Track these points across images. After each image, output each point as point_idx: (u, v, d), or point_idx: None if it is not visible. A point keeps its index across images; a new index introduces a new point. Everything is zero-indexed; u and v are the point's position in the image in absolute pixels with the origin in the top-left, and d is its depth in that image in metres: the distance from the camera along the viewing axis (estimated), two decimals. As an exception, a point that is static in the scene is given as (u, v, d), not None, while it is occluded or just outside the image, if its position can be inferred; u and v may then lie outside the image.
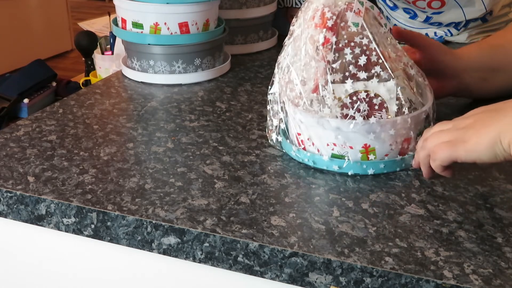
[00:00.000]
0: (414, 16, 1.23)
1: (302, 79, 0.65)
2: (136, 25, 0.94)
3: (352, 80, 0.64)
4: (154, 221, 0.56)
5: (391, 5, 1.25)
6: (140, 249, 0.58)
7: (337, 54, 0.64)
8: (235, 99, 0.88)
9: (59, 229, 0.60)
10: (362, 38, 0.65)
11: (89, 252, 0.63)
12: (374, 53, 0.65)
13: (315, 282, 0.52)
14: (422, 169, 0.62)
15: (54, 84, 2.88)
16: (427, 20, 1.22)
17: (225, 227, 0.55)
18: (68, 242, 0.63)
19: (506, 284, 0.48)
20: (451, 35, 1.24)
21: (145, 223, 0.56)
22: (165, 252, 0.57)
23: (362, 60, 0.64)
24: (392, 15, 1.28)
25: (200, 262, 0.56)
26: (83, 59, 2.51)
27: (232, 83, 0.96)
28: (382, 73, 0.64)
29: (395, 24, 1.30)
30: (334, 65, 0.64)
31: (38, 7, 3.76)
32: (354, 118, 0.63)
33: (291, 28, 0.69)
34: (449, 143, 0.57)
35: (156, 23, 0.93)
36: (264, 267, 0.53)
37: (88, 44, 2.43)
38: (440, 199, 0.61)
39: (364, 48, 0.64)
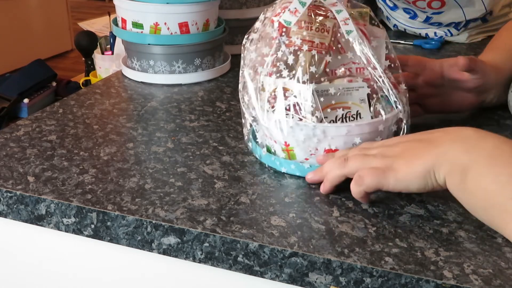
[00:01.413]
0: (414, 16, 1.24)
1: (258, 85, 0.65)
2: (136, 25, 0.94)
3: (287, 80, 0.62)
4: (154, 221, 0.56)
5: (391, 5, 1.25)
6: (140, 249, 0.58)
7: (293, 56, 0.63)
8: (235, 99, 0.88)
9: (59, 229, 0.60)
10: (324, 39, 0.64)
11: (89, 252, 0.63)
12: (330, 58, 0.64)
13: (315, 282, 0.52)
14: (325, 184, 0.60)
15: (54, 84, 2.88)
16: (427, 20, 1.22)
17: (225, 227, 0.55)
18: (68, 242, 0.63)
19: (506, 284, 0.48)
20: (451, 35, 1.24)
21: (145, 223, 0.56)
22: (165, 252, 0.57)
23: (318, 66, 0.63)
24: (392, 15, 1.28)
25: (200, 262, 0.56)
26: (83, 59, 2.51)
27: (232, 83, 0.96)
28: (323, 78, 0.64)
29: (395, 25, 1.30)
30: (284, 65, 0.63)
31: (38, 7, 3.76)
32: (302, 118, 0.62)
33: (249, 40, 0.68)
34: (379, 170, 0.56)
35: (156, 23, 0.93)
36: (264, 267, 0.53)
37: (88, 44, 2.43)
38: (440, 199, 0.61)
39: (322, 53, 0.63)
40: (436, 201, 0.60)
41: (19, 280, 0.69)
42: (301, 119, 0.62)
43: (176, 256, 0.56)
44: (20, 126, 0.77)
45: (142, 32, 0.94)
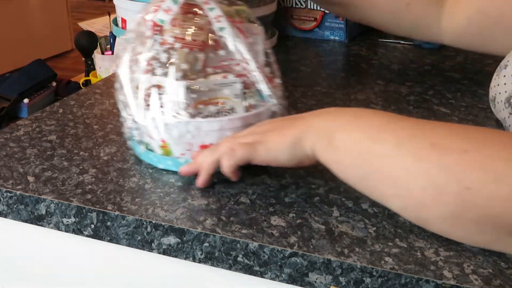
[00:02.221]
0: (414, 16, 1.23)
1: (134, 84, 0.66)
2: (136, 25, 0.94)
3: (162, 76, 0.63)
4: (154, 221, 0.56)
5: (391, 5, 1.25)
6: (140, 249, 0.58)
7: (166, 55, 0.64)
8: (235, 99, 0.88)
9: (59, 229, 0.60)
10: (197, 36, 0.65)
11: (89, 252, 0.63)
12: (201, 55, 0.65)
13: (315, 282, 0.52)
14: (202, 176, 0.61)
15: (54, 84, 2.88)
16: (427, 20, 1.22)
17: (225, 227, 0.55)
18: (68, 242, 0.63)
19: (506, 284, 0.48)
20: (451, 35, 1.23)
21: (145, 223, 0.56)
22: (165, 252, 0.57)
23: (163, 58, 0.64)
24: (392, 15, 1.28)
25: (200, 262, 0.56)
26: (83, 59, 2.51)
27: (232, 83, 0.96)
28: (197, 75, 0.65)
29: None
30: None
31: (38, 7, 3.76)
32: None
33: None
34: (249, 143, 0.59)
35: (156, 23, 0.92)
36: (264, 267, 0.53)
37: (88, 44, 2.44)
38: (440, 199, 0.60)
39: (196, 50, 0.64)
40: (436, 201, 0.60)
41: (19, 280, 0.69)
42: (175, 116, 0.62)
43: (176, 256, 0.56)
44: (20, 126, 0.77)
45: (142, 32, 0.94)
